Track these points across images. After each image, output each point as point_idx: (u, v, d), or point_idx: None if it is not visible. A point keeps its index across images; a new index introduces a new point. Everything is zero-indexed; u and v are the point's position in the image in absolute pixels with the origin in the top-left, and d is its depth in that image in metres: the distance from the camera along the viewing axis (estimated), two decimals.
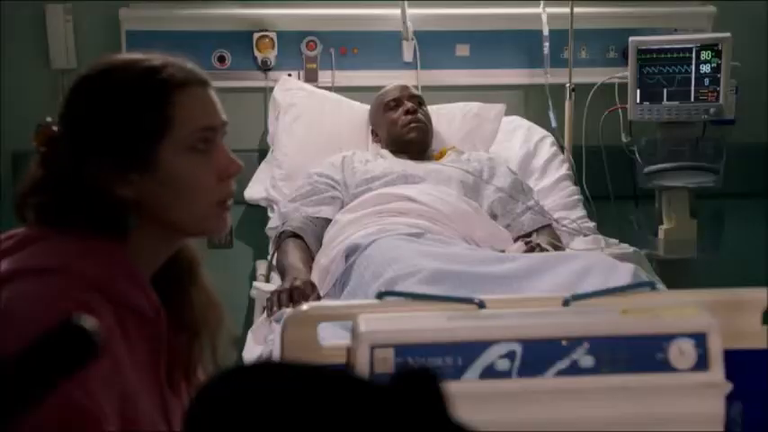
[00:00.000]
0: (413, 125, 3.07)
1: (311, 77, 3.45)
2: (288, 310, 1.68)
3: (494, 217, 2.88)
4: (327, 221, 2.82)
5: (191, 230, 1.39)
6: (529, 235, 2.83)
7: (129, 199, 1.32)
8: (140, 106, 1.33)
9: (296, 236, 2.77)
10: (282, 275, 2.65)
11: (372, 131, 3.23)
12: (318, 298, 2.42)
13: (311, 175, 2.99)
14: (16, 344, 0.82)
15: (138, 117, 1.32)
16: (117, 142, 1.32)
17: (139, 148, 1.32)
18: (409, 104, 3.09)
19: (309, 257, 2.72)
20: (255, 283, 2.78)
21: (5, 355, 0.82)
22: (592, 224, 3.08)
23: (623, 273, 2.18)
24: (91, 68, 1.37)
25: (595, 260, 2.28)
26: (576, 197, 3.21)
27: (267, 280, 2.84)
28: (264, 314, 2.46)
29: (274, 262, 2.79)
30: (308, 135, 3.26)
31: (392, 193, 2.78)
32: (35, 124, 1.35)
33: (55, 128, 1.36)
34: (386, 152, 3.08)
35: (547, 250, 2.63)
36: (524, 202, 2.92)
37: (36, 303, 1.22)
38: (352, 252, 2.47)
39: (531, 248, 2.62)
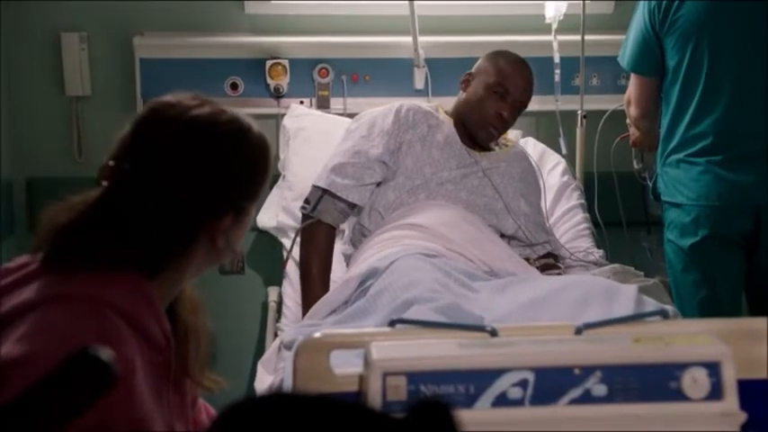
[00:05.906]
0: (491, 129, 2.87)
1: (323, 104, 3.46)
2: (300, 338, 1.68)
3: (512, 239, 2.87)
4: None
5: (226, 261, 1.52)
6: (548, 256, 2.84)
7: (220, 245, 1.42)
8: (257, 167, 1.50)
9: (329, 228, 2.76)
10: (303, 281, 2.65)
11: (467, 79, 2.97)
12: None
13: (373, 139, 2.82)
14: (44, 370, 0.83)
15: (254, 176, 1.49)
16: (234, 198, 1.44)
17: (247, 203, 1.46)
18: (509, 113, 2.85)
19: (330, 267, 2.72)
20: (279, 324, 2.77)
21: (30, 383, 0.83)
22: (600, 252, 3.03)
23: (626, 298, 2.14)
24: (199, 121, 1.47)
25: (596, 286, 2.25)
26: (585, 225, 3.19)
27: (278, 307, 2.82)
28: (275, 343, 2.43)
29: (295, 252, 2.74)
30: (318, 155, 3.23)
31: (405, 223, 2.71)
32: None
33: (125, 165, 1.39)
34: (449, 128, 2.90)
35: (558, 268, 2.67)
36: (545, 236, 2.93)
37: (62, 331, 1.23)
38: (370, 276, 2.42)
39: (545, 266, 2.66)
